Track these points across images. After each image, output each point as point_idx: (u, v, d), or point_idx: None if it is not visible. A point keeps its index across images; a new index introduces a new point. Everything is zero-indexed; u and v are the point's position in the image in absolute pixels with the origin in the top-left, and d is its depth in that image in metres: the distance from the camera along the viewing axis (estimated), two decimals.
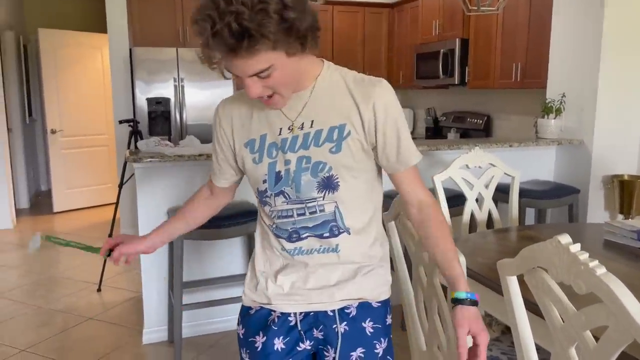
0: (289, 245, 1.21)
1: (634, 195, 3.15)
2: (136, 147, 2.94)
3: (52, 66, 5.92)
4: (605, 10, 3.25)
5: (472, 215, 2.62)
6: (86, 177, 6.29)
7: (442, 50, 4.83)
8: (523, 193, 3.13)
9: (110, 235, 3.79)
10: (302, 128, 1.16)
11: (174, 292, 2.66)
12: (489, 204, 2.62)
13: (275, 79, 1.04)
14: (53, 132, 5.96)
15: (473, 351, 1.12)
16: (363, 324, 1.23)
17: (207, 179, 1.40)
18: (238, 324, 1.32)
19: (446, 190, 2.72)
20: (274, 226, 1.23)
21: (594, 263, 0.94)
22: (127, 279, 3.95)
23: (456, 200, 2.80)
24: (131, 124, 3.60)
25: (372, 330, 1.23)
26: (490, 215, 2.66)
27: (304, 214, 1.18)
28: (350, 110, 1.14)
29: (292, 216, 1.18)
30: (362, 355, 1.22)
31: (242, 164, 1.25)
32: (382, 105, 1.14)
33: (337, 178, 1.15)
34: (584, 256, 0.97)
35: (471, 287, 1.45)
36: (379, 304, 1.26)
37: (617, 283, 0.91)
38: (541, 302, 1.14)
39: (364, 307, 1.24)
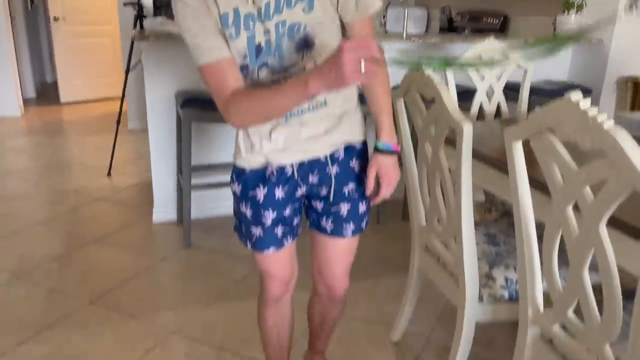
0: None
1: None
2: (142, 27, 2.87)
3: None
4: None
5: (481, 108, 2.61)
6: (93, 67, 6.21)
7: None
8: (534, 91, 3.08)
9: (118, 122, 3.81)
10: None
11: (182, 174, 2.73)
12: (498, 97, 2.60)
13: None
14: (56, 19, 5.80)
15: (378, 191, 1.34)
16: (350, 163, 1.35)
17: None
18: (232, 182, 1.35)
19: (457, 85, 2.69)
20: None
21: (602, 117, 0.95)
22: (136, 165, 4.03)
23: (467, 95, 2.77)
24: (136, 5, 3.49)
25: (358, 167, 1.36)
26: (499, 109, 2.64)
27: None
28: None
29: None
30: (353, 189, 1.37)
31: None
32: None
33: (312, 36, 1.18)
34: (593, 112, 0.97)
35: (474, 169, 1.49)
36: (361, 145, 1.37)
37: (623, 134, 0.92)
38: (545, 166, 1.16)
39: (349, 149, 1.34)
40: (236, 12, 1.15)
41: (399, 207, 3.22)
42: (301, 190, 1.34)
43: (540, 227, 1.29)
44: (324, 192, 1.36)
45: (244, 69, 1.20)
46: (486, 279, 1.59)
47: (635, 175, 0.90)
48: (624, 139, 0.91)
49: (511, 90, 2.81)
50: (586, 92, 3.27)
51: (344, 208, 1.37)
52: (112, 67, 6.27)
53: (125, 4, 3.64)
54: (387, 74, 1.32)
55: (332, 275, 1.47)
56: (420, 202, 1.81)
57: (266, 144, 1.27)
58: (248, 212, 1.33)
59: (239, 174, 1.33)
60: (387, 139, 1.31)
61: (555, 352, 1.31)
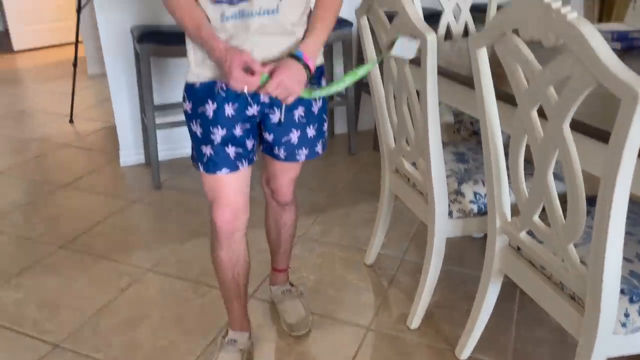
0: (229, 10, 1.20)
1: (614, 8, 3.07)
2: None
3: None
4: None
5: (448, 29, 2.55)
6: (44, 13, 5.86)
7: None
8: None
9: (74, 64, 3.64)
10: None
11: (146, 114, 2.64)
12: (465, 16, 2.53)
13: None
14: None
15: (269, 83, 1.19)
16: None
17: None
18: (184, 101, 1.33)
19: (424, 9, 2.61)
20: None
21: (566, 9, 0.92)
22: (99, 110, 3.90)
23: (433, 19, 2.69)
24: None
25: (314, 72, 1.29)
26: (466, 29, 2.58)
27: None
28: None
29: None
30: (302, 114, 1.37)
31: None
32: None
33: None
34: (557, 4, 0.94)
35: (442, 88, 1.46)
36: (316, 70, 1.31)
37: (587, 25, 0.89)
38: (509, 69, 1.14)
39: None
40: None
41: (371, 137, 3.20)
42: (252, 110, 1.31)
43: (506, 144, 1.28)
44: (275, 117, 1.34)
45: None
46: (455, 194, 1.60)
47: (599, 67, 0.88)
48: (588, 30, 0.89)
49: (478, 12, 2.75)
50: None
51: (294, 136, 1.37)
52: (65, 10, 5.93)
53: None
54: (337, 5, 1.28)
55: (279, 184, 1.51)
56: (389, 124, 1.79)
57: None
58: (198, 130, 1.31)
59: (189, 90, 1.31)
60: (304, 49, 1.23)
61: (522, 258, 1.34)
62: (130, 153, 2.97)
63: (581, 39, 0.89)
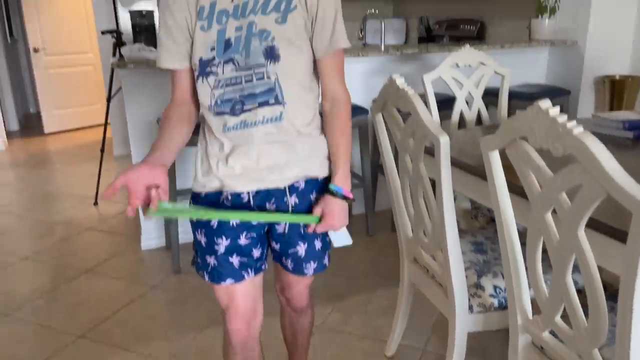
0: (232, 121, 1.22)
1: (624, 94, 3.14)
2: (121, 55, 2.87)
3: None
4: None
5: (462, 116, 2.62)
6: (75, 97, 6.19)
7: None
8: (513, 95, 3.12)
9: (102, 150, 3.79)
10: None
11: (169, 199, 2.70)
12: (478, 104, 2.62)
13: None
14: (36, 50, 5.79)
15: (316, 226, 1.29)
16: (311, 195, 1.32)
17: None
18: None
19: (437, 94, 2.71)
20: (216, 102, 1.23)
21: (571, 123, 0.96)
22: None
23: (447, 104, 2.79)
24: (114, 34, 3.50)
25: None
26: (479, 116, 2.66)
27: (251, 80, 1.21)
28: None
29: (240, 83, 1.21)
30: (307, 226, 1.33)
31: (192, 34, 1.24)
32: None
33: (279, 50, 1.19)
34: (562, 118, 0.98)
35: (457, 177, 1.49)
36: (324, 178, 1.34)
37: (592, 140, 0.93)
38: (521, 174, 1.17)
39: (310, 181, 1.32)
40: (212, 5, 1.21)
41: (388, 218, 3.22)
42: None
43: (524, 234, 1.29)
44: (280, 227, 1.33)
45: (209, 62, 1.21)
46: (475, 288, 1.59)
47: (607, 180, 0.90)
48: (594, 144, 0.92)
49: (491, 96, 2.84)
50: (565, 93, 3.30)
51: (301, 249, 1.35)
52: (95, 94, 6.26)
53: (103, 33, 3.64)
54: (350, 120, 1.31)
55: (292, 293, 1.48)
56: (405, 214, 1.81)
57: (222, 167, 1.26)
58: (203, 240, 1.30)
59: (195, 199, 1.33)
60: (340, 183, 1.28)
61: (546, 358, 1.31)
62: (152, 236, 3.02)
63: (588, 153, 0.92)
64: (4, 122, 5.70)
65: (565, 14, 3.44)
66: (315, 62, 1.28)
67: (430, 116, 1.42)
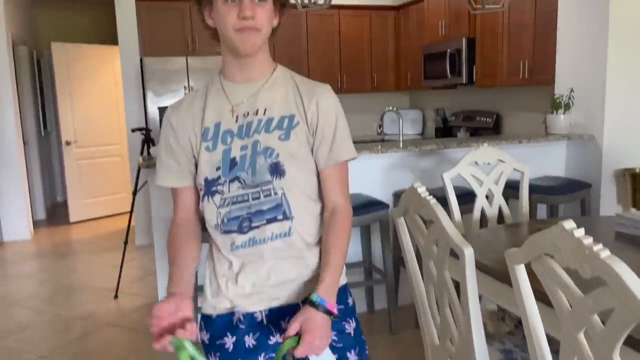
0: (240, 239, 1.21)
1: None
2: (149, 153, 2.99)
3: (65, 79, 6.03)
4: (610, 4, 3.25)
5: (483, 212, 2.63)
6: (101, 187, 6.38)
7: (449, 50, 4.84)
8: (534, 189, 3.12)
9: (125, 242, 3.85)
10: (256, 114, 1.23)
11: None
12: (499, 201, 2.63)
13: (264, 13, 1.17)
14: (68, 143, 6.06)
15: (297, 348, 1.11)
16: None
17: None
18: (200, 330, 1.28)
19: (456, 188, 2.73)
20: (223, 220, 1.21)
21: (597, 246, 0.96)
22: (143, 286, 4.00)
23: (466, 197, 2.80)
24: (143, 132, 3.66)
25: (337, 313, 1.22)
26: (500, 211, 2.66)
27: (258, 197, 1.21)
28: (297, 104, 1.24)
29: (247, 200, 1.21)
30: (336, 339, 1.25)
31: (197, 155, 1.25)
32: (324, 102, 1.24)
33: (283, 165, 1.21)
34: (588, 240, 0.98)
35: (482, 281, 1.47)
36: (339, 289, 1.26)
37: (621, 265, 0.92)
38: (549, 290, 1.15)
39: None
40: (217, 126, 1.23)
41: (412, 313, 3.14)
42: (275, 338, 1.26)
43: (555, 341, 1.25)
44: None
45: (214, 182, 1.22)
46: None
47: (638, 306, 0.89)
48: (624, 270, 0.91)
49: (511, 188, 2.85)
50: (586, 186, 3.31)
51: None
52: (121, 184, 6.44)
53: (133, 130, 3.82)
54: (347, 231, 1.25)
55: None
56: (431, 321, 1.77)
57: (232, 287, 1.24)
58: None
59: (205, 321, 1.28)
60: (324, 294, 1.16)
61: None
62: None
63: (618, 279, 0.91)
64: (31, 211, 5.86)
65: (579, 109, 3.52)
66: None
67: (454, 226, 1.43)
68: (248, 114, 1.23)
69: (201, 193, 1.25)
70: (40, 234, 5.81)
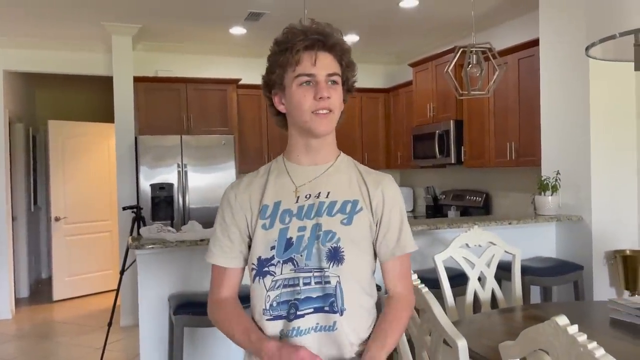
0: (286, 327, 1.19)
1: (638, 270, 3.12)
2: (139, 233, 2.97)
3: (59, 156, 6.09)
4: (590, 88, 3.39)
5: (476, 295, 2.59)
6: (88, 264, 6.26)
7: (437, 131, 4.98)
8: (526, 270, 3.10)
9: (109, 324, 3.72)
10: (318, 197, 1.22)
11: None
12: (491, 283, 2.60)
13: (337, 96, 1.22)
14: (57, 219, 6.01)
15: None
16: None
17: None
18: None
19: (448, 269, 2.71)
20: (272, 304, 1.19)
21: (592, 345, 0.94)
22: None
23: (459, 279, 2.77)
24: (134, 210, 3.66)
25: None
26: (493, 294, 2.63)
27: (309, 283, 1.18)
28: (362, 191, 1.24)
29: (297, 285, 1.18)
30: None
31: (252, 232, 1.24)
32: (390, 193, 1.25)
33: (343, 251, 1.18)
34: (582, 338, 0.97)
35: None
36: None
37: None
38: None
39: None
40: (277, 205, 1.22)
41: None
42: None
43: None
44: None
45: (267, 262, 1.19)
46: None
47: None
48: None
49: (503, 270, 2.82)
50: (578, 268, 3.29)
51: None
52: (109, 261, 6.33)
53: (124, 209, 3.81)
54: (406, 319, 1.24)
55: None
56: None
57: None
58: None
59: None
60: None
61: None
62: None
63: None
64: (14, 289, 5.70)
65: (567, 190, 3.58)
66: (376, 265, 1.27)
67: (446, 316, 1.41)
68: (310, 196, 1.22)
69: (252, 273, 1.23)
70: (22, 313, 5.62)
